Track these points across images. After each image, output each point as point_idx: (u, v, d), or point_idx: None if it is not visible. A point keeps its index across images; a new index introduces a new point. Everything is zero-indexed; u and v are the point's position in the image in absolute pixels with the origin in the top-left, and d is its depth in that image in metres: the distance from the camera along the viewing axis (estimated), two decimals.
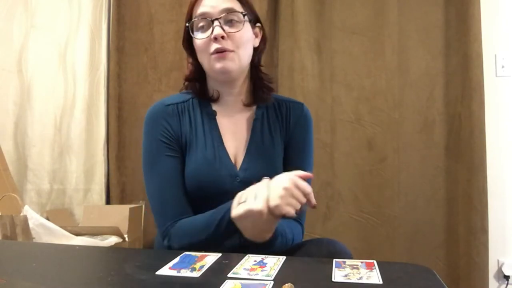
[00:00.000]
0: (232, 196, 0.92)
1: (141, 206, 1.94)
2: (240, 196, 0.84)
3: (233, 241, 0.87)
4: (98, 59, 2.18)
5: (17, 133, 2.16)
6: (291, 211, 0.79)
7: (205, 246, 0.86)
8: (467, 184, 1.86)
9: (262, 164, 1.01)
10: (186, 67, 1.08)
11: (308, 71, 1.99)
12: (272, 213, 0.80)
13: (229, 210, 0.85)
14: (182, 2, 2.13)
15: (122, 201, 2.12)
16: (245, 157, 1.01)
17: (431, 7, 1.95)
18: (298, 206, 0.80)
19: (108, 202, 2.16)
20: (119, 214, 1.82)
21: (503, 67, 1.95)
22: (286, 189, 0.80)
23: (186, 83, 1.07)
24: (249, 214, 0.81)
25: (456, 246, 1.90)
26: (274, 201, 0.79)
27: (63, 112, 2.17)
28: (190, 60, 1.05)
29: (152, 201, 0.99)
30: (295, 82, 1.97)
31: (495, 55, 1.95)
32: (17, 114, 2.17)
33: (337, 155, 1.98)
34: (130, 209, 1.78)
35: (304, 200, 0.81)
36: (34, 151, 2.15)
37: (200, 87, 1.04)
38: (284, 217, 0.81)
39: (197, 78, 1.05)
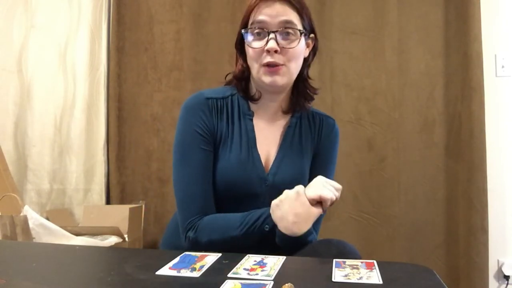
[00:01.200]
0: (258, 199, 0.97)
1: (141, 206, 1.94)
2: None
3: (266, 241, 0.89)
4: (98, 59, 2.18)
5: (17, 133, 2.16)
6: (328, 193, 0.87)
7: (233, 244, 0.89)
8: (467, 184, 1.87)
9: (290, 170, 1.02)
10: (234, 64, 1.08)
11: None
12: (310, 198, 0.87)
13: (268, 209, 0.90)
14: (182, 2, 2.13)
15: (122, 201, 2.12)
16: (274, 161, 1.02)
17: (431, 7, 1.95)
18: (333, 194, 0.88)
19: (108, 202, 2.16)
20: (119, 214, 1.82)
21: (503, 67, 1.95)
22: (321, 181, 0.90)
23: (228, 77, 1.09)
24: (286, 197, 0.88)
25: (456, 246, 1.90)
26: (311, 187, 0.89)
27: (63, 112, 2.17)
28: (240, 61, 1.06)
29: (178, 191, 0.99)
30: None
31: (495, 55, 1.95)
32: (17, 114, 2.17)
33: (337, 155, 1.98)
34: (130, 209, 1.78)
35: (337, 193, 0.89)
36: (34, 151, 2.15)
37: (244, 85, 1.05)
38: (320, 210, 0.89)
39: (244, 78, 1.05)
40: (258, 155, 1.02)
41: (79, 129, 2.16)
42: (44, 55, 2.18)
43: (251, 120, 1.04)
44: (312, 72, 2.11)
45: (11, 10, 2.18)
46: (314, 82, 1.13)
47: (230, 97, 1.04)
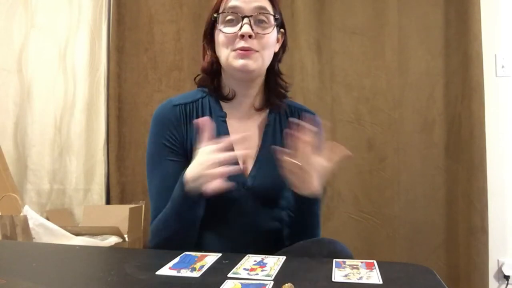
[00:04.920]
0: (238, 202, 0.94)
1: (141, 206, 1.94)
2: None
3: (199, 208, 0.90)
4: (98, 59, 2.18)
5: (17, 133, 2.16)
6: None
7: (176, 235, 0.90)
8: (467, 184, 1.86)
9: (271, 172, 0.98)
10: (202, 58, 1.04)
11: (308, 71, 1.99)
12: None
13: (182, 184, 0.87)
14: (182, 2, 2.13)
15: (122, 201, 2.12)
16: (254, 164, 0.99)
17: (431, 7, 1.95)
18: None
19: (108, 202, 2.16)
20: (119, 214, 1.82)
21: (503, 67, 1.95)
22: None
23: (200, 76, 1.05)
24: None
25: (456, 246, 1.90)
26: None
27: (63, 112, 2.17)
28: (209, 52, 1.01)
29: (150, 203, 0.98)
30: (295, 82, 1.97)
31: (495, 55, 1.95)
32: (17, 114, 2.17)
33: None
34: (130, 209, 1.78)
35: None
36: (34, 151, 2.15)
37: (216, 83, 1.01)
38: None
39: (214, 72, 1.01)
40: (235, 157, 0.95)
41: (79, 129, 2.16)
42: (44, 55, 2.18)
43: (224, 121, 1.00)
44: (312, 71, 2.11)
45: (11, 10, 2.18)
46: (296, 73, 1.09)
47: (200, 100, 1.00)
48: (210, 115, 0.99)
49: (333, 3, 2.02)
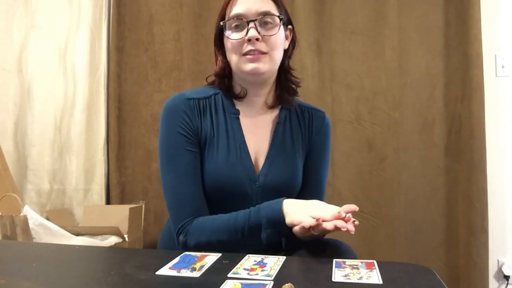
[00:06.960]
0: (249, 199, 0.95)
1: (141, 206, 1.94)
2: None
3: (258, 243, 0.87)
4: (98, 59, 2.18)
5: (17, 133, 2.16)
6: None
7: (224, 246, 0.86)
8: (467, 184, 1.87)
9: (282, 170, 1.00)
10: (214, 63, 1.06)
11: (308, 71, 1.99)
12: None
13: (251, 212, 0.87)
14: (182, 2, 2.13)
15: (122, 201, 2.12)
16: (265, 161, 1.00)
17: (431, 7, 1.95)
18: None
19: (108, 202, 2.15)
20: (119, 214, 1.82)
21: (503, 67, 1.95)
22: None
23: (210, 77, 1.07)
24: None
25: (456, 246, 1.90)
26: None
27: (63, 112, 2.17)
28: (220, 57, 1.03)
29: (168, 196, 0.97)
30: None
31: (495, 55, 1.95)
32: (17, 114, 2.17)
33: (337, 155, 1.98)
34: (130, 209, 1.77)
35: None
36: (34, 151, 2.15)
37: (228, 83, 1.03)
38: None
39: (226, 76, 1.03)
40: (248, 154, 0.99)
41: (79, 129, 2.16)
42: (44, 55, 2.17)
43: (237, 118, 1.01)
44: (312, 71, 2.10)
45: (11, 10, 2.18)
46: (296, 73, 1.10)
47: (213, 97, 1.02)
48: (223, 111, 1.01)
49: (333, 3, 2.02)
